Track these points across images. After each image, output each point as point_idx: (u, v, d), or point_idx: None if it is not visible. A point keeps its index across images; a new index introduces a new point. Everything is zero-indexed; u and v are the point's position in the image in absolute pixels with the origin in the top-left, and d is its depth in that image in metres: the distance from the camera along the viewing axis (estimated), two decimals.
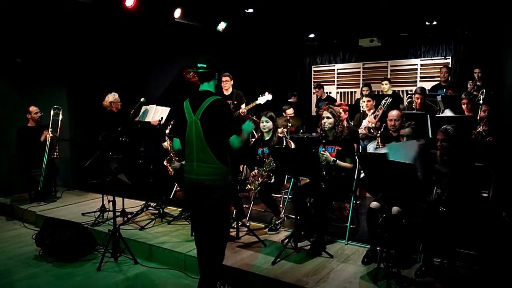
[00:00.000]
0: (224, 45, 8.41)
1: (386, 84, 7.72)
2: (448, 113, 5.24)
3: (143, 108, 5.74)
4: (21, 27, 6.29)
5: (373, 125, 5.84)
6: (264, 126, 4.78)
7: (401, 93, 9.13)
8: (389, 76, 7.61)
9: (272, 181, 4.61)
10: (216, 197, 3.09)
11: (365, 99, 6.22)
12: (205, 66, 3.26)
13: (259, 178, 4.54)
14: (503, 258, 3.53)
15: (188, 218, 4.93)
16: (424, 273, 3.40)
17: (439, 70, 7.44)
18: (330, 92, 10.42)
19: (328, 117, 4.29)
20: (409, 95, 6.58)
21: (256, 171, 4.59)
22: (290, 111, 7.25)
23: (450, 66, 8.83)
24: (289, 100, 7.36)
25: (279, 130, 6.46)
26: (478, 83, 6.85)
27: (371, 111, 6.12)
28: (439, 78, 7.40)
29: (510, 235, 3.64)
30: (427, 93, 6.41)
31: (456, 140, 3.58)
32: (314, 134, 6.30)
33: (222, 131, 3.08)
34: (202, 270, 3.29)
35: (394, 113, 4.54)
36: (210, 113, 3.06)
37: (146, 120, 5.68)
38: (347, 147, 4.27)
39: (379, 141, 4.73)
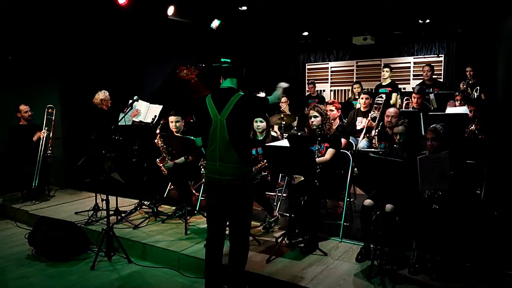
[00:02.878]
0: (218, 43, 8.39)
1: (387, 71, 7.44)
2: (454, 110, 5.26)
3: (136, 105, 5.71)
4: (13, 24, 6.23)
5: (374, 130, 5.65)
6: (258, 126, 4.77)
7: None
8: (384, 73, 7.46)
9: (268, 179, 4.62)
10: (241, 195, 3.10)
11: (363, 96, 6.18)
12: (229, 60, 3.15)
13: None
14: (495, 255, 3.56)
15: (182, 217, 4.92)
16: (418, 270, 3.42)
17: (421, 69, 7.44)
18: (324, 90, 10.44)
19: (315, 116, 4.33)
20: (406, 98, 6.54)
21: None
22: (283, 99, 7.26)
23: (443, 63, 8.90)
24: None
25: (275, 127, 6.49)
26: (470, 81, 6.89)
27: (367, 109, 6.10)
28: (422, 77, 7.42)
29: (502, 233, 3.67)
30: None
31: (445, 139, 3.61)
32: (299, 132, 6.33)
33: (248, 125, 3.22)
34: (211, 269, 3.25)
35: (391, 110, 4.72)
36: (238, 112, 3.02)
37: (140, 118, 5.66)
38: (334, 142, 4.34)
39: (376, 139, 4.76)
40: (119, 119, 5.35)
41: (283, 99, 7.27)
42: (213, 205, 3.22)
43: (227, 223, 3.29)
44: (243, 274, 3.30)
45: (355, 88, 7.74)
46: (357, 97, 7.60)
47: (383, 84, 7.45)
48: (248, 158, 3.14)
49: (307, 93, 9.16)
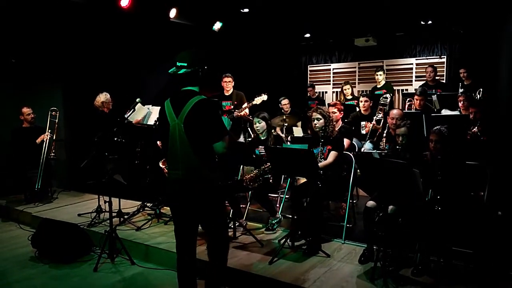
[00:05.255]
0: (220, 45, 8.40)
1: (380, 75, 7.35)
2: (445, 112, 5.24)
3: (137, 107, 5.71)
4: (15, 27, 6.25)
5: (381, 132, 5.60)
6: (257, 127, 4.79)
7: (396, 92, 9.15)
8: (377, 77, 7.42)
9: (270, 181, 4.62)
10: (209, 201, 2.83)
11: (362, 99, 6.14)
12: (185, 64, 2.79)
13: (254, 180, 4.54)
14: (498, 256, 3.55)
15: None
16: (421, 272, 3.41)
17: (424, 70, 7.43)
18: (326, 92, 10.44)
19: (318, 118, 4.32)
20: (408, 99, 6.50)
21: (251, 174, 4.57)
22: (285, 101, 7.31)
23: (445, 65, 8.89)
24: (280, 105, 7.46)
25: (277, 129, 6.50)
26: (465, 82, 6.89)
27: (367, 112, 6.07)
28: (425, 78, 7.40)
29: (506, 234, 3.66)
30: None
31: (449, 141, 3.61)
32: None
33: (206, 135, 2.74)
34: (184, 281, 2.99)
35: (395, 112, 4.69)
36: (194, 116, 2.71)
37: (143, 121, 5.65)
38: (336, 144, 4.33)
39: (384, 141, 4.76)
40: (125, 118, 5.37)
41: (285, 102, 7.32)
42: (180, 216, 2.92)
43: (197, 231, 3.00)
44: (224, 272, 3.10)
45: (345, 89, 7.65)
46: (348, 97, 7.58)
47: (378, 86, 7.43)
48: (211, 164, 2.82)
49: (308, 96, 9.15)
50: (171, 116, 2.80)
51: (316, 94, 9.08)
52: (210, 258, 3.04)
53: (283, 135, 6.29)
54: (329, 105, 5.55)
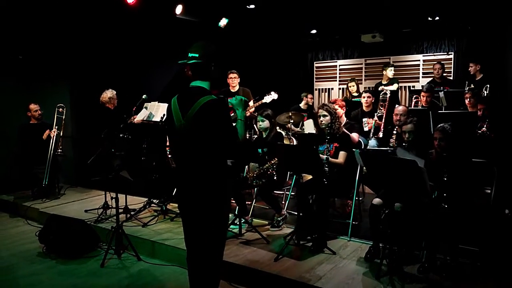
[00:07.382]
0: (226, 42, 8.39)
1: (390, 71, 7.36)
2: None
3: (145, 105, 5.74)
4: (22, 24, 6.29)
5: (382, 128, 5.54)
6: (260, 125, 4.78)
7: (403, 89, 9.11)
8: (392, 72, 7.38)
9: (275, 178, 4.62)
10: (210, 207, 2.62)
11: (364, 95, 6.11)
12: (197, 55, 2.62)
13: (258, 176, 4.54)
14: (505, 254, 3.54)
15: None
16: (427, 269, 3.41)
17: (432, 67, 7.38)
18: (332, 89, 10.42)
19: (324, 115, 4.30)
20: (415, 96, 6.46)
21: (255, 171, 4.57)
22: (310, 95, 7.40)
23: (452, 61, 8.82)
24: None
25: (289, 125, 6.51)
26: (477, 77, 6.83)
27: (370, 108, 6.04)
28: (432, 75, 7.35)
29: None
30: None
31: (454, 138, 3.59)
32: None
33: (215, 138, 2.54)
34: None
35: (400, 108, 4.65)
36: (202, 117, 2.52)
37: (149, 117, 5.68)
38: (343, 142, 4.32)
39: (394, 138, 4.73)
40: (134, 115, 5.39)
41: (310, 95, 7.38)
42: (187, 218, 2.76)
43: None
44: None
45: (350, 86, 7.60)
46: (354, 94, 7.56)
47: (384, 82, 7.38)
48: (218, 166, 2.61)
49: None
50: (177, 116, 2.62)
51: (312, 101, 9.01)
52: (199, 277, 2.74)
53: (298, 129, 6.31)
54: (329, 102, 5.54)
